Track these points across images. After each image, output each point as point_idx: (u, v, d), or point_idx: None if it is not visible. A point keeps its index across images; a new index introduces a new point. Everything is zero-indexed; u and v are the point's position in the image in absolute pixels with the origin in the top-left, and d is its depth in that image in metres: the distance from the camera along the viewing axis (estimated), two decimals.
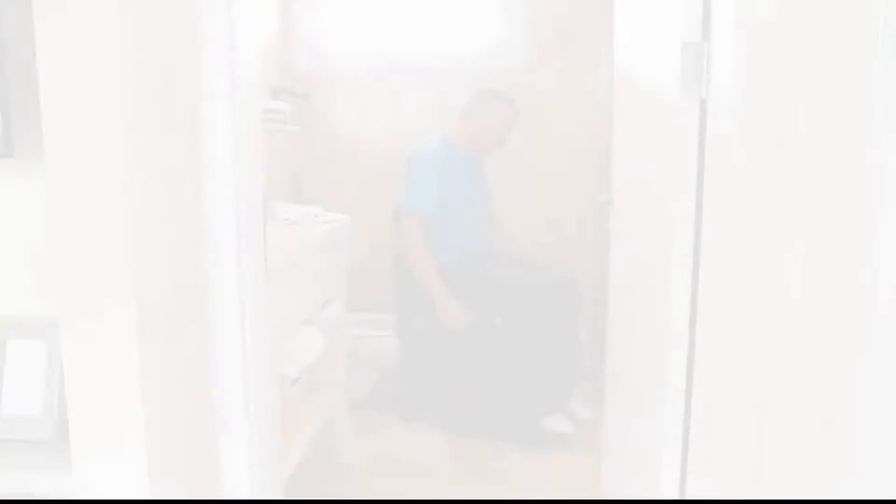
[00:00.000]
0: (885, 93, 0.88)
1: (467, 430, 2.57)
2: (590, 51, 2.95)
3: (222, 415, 1.19)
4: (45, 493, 1.20)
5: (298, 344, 1.77)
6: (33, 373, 1.22)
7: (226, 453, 1.20)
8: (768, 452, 1.21)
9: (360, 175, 3.03)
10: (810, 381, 1.10)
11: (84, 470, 1.07)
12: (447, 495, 2.13)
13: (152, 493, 1.06)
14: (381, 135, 3.00)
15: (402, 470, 2.30)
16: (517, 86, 2.98)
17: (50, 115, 0.99)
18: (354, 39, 3.02)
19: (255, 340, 1.19)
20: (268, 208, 2.16)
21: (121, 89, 0.97)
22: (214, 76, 1.10)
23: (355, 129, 3.07)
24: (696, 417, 1.32)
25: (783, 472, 1.19)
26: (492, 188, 2.85)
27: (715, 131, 1.22)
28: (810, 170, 1.11)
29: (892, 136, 0.89)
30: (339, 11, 3.02)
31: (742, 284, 1.18)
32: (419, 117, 3.02)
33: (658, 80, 1.45)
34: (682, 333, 1.33)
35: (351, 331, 2.51)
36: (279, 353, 1.66)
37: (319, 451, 2.36)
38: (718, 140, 1.21)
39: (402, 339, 2.65)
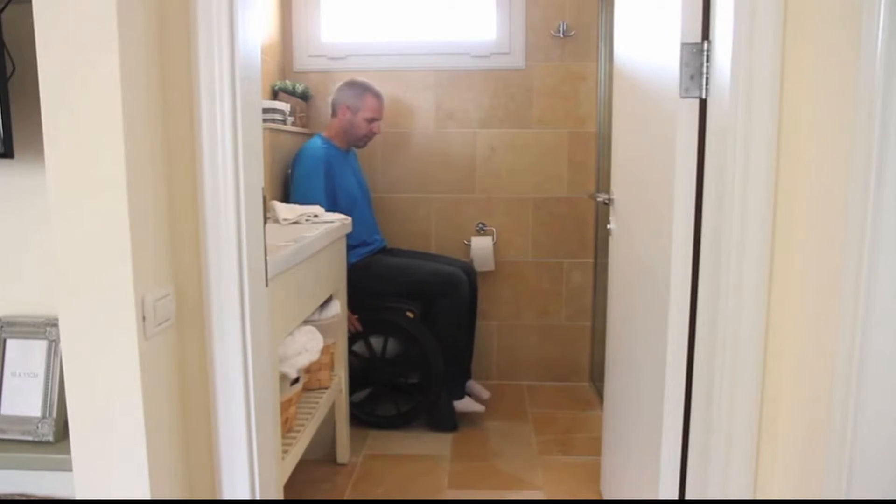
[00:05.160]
0: (884, 92, 0.88)
1: (388, 423, 2.61)
2: (589, 51, 2.96)
3: (222, 415, 1.19)
4: (45, 493, 1.20)
5: (298, 344, 1.77)
6: (33, 373, 1.22)
7: (226, 453, 1.20)
8: (768, 450, 1.22)
9: None
10: (807, 379, 1.10)
11: (84, 470, 1.07)
12: (446, 495, 2.13)
13: (152, 493, 1.06)
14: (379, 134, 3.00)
15: (401, 469, 2.30)
16: (517, 85, 2.99)
17: (50, 115, 0.99)
18: (354, 39, 3.02)
19: (255, 340, 1.19)
20: (268, 208, 2.17)
21: (121, 90, 0.97)
22: (214, 76, 1.10)
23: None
24: (696, 417, 1.32)
25: (783, 470, 1.19)
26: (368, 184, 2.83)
27: (715, 131, 1.22)
28: (810, 169, 1.11)
29: (891, 136, 0.89)
30: (339, 11, 3.03)
31: (742, 283, 1.18)
32: (418, 117, 3.02)
33: (658, 80, 1.45)
34: (682, 331, 1.33)
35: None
36: (279, 353, 1.66)
37: (319, 451, 2.36)
38: (718, 139, 1.21)
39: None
